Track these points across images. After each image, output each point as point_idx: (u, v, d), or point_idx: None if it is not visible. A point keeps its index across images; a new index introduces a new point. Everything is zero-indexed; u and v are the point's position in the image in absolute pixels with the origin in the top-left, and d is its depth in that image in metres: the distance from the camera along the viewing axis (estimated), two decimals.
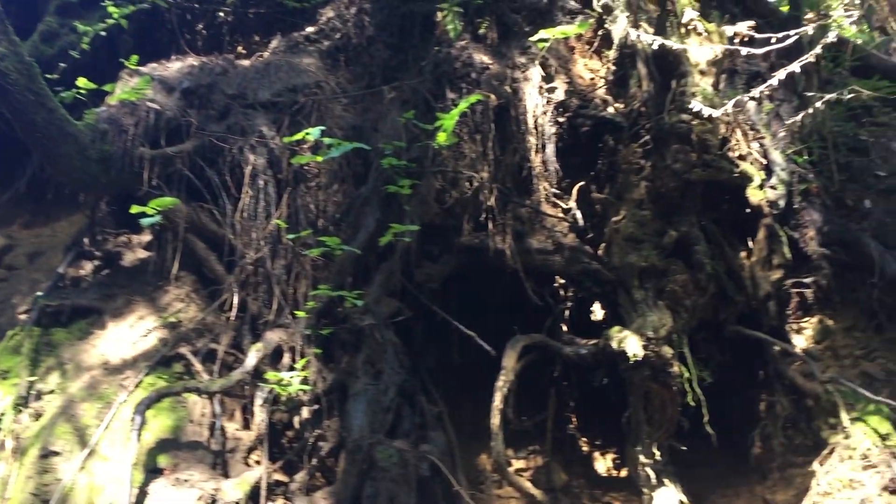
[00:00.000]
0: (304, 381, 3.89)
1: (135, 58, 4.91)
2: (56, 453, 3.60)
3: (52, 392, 3.94)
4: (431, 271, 4.82)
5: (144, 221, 4.10)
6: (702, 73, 4.95)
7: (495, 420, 4.06)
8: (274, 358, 4.13)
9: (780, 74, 3.93)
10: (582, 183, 5.05)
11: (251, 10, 6.11)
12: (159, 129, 4.64)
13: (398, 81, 5.07)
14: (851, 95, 4.65)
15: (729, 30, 4.96)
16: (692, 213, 4.87)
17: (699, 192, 4.87)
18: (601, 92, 5.17)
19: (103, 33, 5.53)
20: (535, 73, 5.01)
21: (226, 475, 3.69)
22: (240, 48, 6.16)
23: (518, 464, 4.87)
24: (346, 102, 5.05)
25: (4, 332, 4.53)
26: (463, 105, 4.40)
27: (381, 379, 4.05)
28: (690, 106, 4.44)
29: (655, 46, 4.36)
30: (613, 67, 5.16)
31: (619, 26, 5.03)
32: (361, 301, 4.13)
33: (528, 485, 4.25)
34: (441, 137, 4.36)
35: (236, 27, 6.18)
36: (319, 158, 4.31)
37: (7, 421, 3.75)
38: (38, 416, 3.84)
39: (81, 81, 4.82)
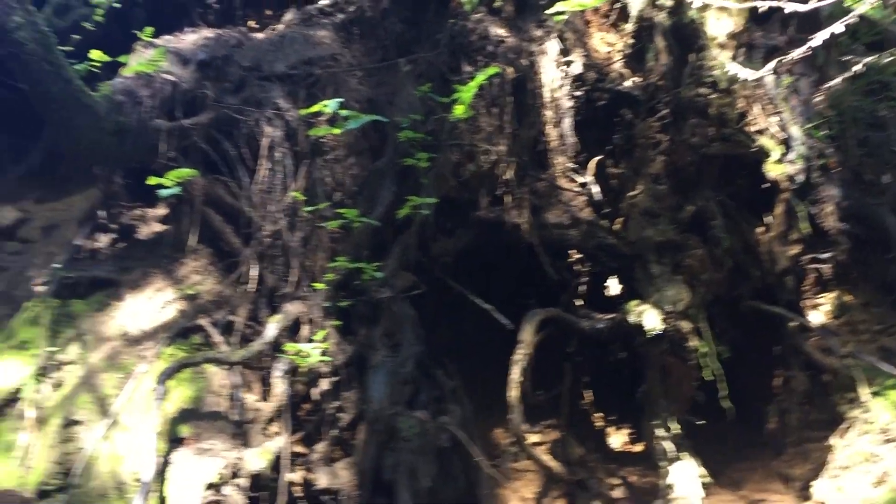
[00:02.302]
0: (324, 352, 3.89)
1: (149, 29, 4.87)
2: (78, 423, 3.61)
3: (72, 363, 3.94)
4: (447, 245, 4.82)
5: (162, 193, 4.07)
6: (720, 46, 4.90)
7: (513, 393, 4.06)
8: (292, 330, 4.13)
9: (800, 49, 3.90)
10: (599, 157, 5.02)
11: None
12: (175, 100, 4.61)
13: (413, 55, 5.04)
14: (867, 69, 4.61)
15: (748, 3, 4.92)
16: (709, 188, 4.86)
17: (717, 167, 4.86)
18: (618, 65, 5.13)
19: (117, 5, 5.48)
20: (552, 46, 4.97)
21: (246, 445, 3.70)
22: (251, 22, 6.11)
23: (534, 437, 4.88)
24: (362, 75, 5.01)
25: (20, 304, 4.53)
26: (480, 78, 4.36)
27: (399, 352, 4.06)
28: (710, 78, 4.42)
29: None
30: (631, 41, 5.11)
31: None
32: (380, 274, 4.12)
33: (547, 458, 4.27)
34: (458, 110, 4.33)
35: (248, 1, 6.13)
36: (337, 131, 4.27)
37: (28, 391, 3.75)
38: (58, 386, 3.84)
39: (95, 54, 4.77)
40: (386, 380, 3.90)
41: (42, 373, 3.85)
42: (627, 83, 5.01)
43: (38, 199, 6.01)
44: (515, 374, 4.11)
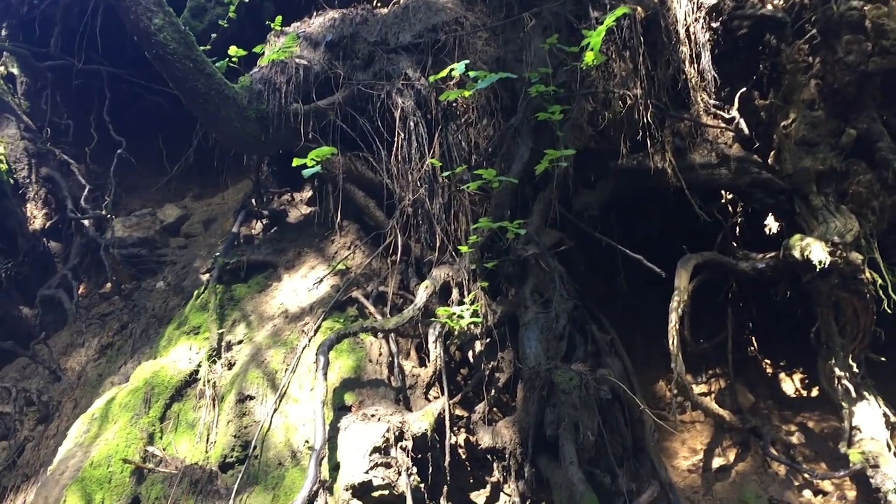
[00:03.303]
0: (475, 314, 3.89)
1: (279, 18, 5.03)
2: (251, 397, 3.80)
3: (240, 342, 4.16)
4: (590, 198, 4.70)
5: (306, 172, 4.19)
6: None
7: (673, 342, 3.91)
8: (442, 295, 4.17)
9: None
10: (743, 89, 4.73)
11: None
12: (310, 83, 4.73)
13: (537, 7, 4.92)
14: None
15: None
16: (871, 108, 4.46)
17: (878, 84, 4.45)
18: None
19: (248, 1, 5.69)
20: None
21: (408, 410, 3.77)
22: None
23: (699, 388, 4.71)
24: (487, 36, 4.95)
25: (190, 294, 4.83)
26: (609, 20, 4.19)
27: (550, 307, 3.99)
28: None
29: None
30: None
31: None
32: (524, 231, 4.07)
33: (716, 406, 4.09)
34: (588, 57, 4.19)
35: None
36: (467, 93, 4.27)
37: (204, 371, 3.99)
38: (230, 365, 4.06)
39: (232, 50, 4.99)
40: (540, 336, 3.85)
41: (215, 354, 4.08)
42: (768, 6, 4.67)
43: (195, 196, 6.40)
44: (673, 321, 3.95)
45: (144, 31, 4.20)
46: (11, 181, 5.80)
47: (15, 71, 6.24)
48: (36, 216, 5.85)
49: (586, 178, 4.74)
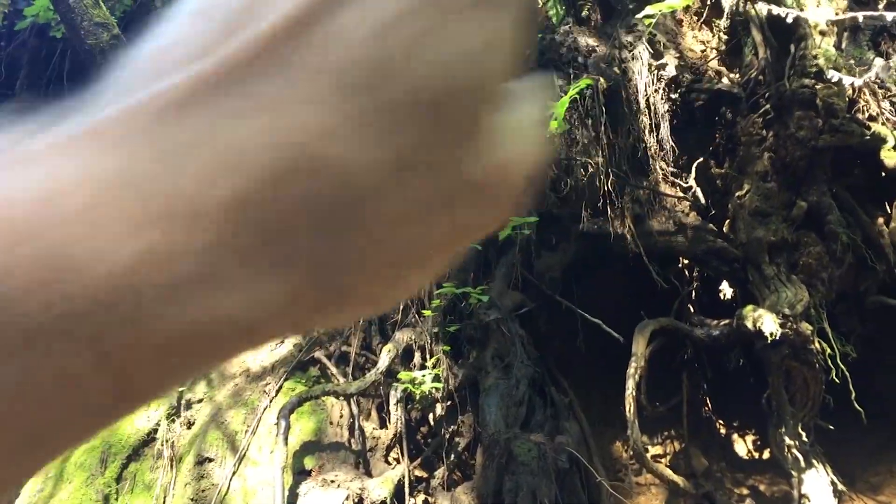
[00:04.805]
0: (436, 378, 3.94)
1: None
2: (210, 459, 3.79)
3: (200, 401, 4.14)
4: (551, 261, 4.80)
5: None
6: (822, 33, 4.70)
7: (630, 408, 3.99)
8: (405, 357, 4.21)
9: None
10: (700, 159, 4.89)
11: None
12: None
13: None
14: None
15: None
16: (822, 182, 4.65)
17: (828, 159, 4.64)
18: (714, 64, 5.00)
19: None
20: (643, 51, 4.88)
21: (368, 474, 3.79)
22: None
23: (655, 450, 4.78)
24: None
25: None
26: (572, 91, 4.32)
27: (511, 372, 4.06)
28: (814, 68, 4.26)
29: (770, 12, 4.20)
30: (725, 37, 4.98)
31: None
32: (486, 297, 4.15)
33: (669, 472, 4.17)
34: (552, 125, 4.31)
35: None
36: None
37: (162, 431, 3.96)
38: (189, 424, 4.04)
39: None
40: (499, 402, 3.91)
41: (174, 413, 4.06)
42: (725, 81, 4.87)
43: None
44: (630, 388, 4.04)
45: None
46: None
47: None
48: None
49: (548, 241, 4.85)
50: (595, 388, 5.04)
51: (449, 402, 4.07)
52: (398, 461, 3.94)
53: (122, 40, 4.25)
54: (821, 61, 4.58)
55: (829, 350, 4.29)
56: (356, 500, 3.38)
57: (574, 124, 4.67)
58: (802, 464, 4.13)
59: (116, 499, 3.70)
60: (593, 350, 4.92)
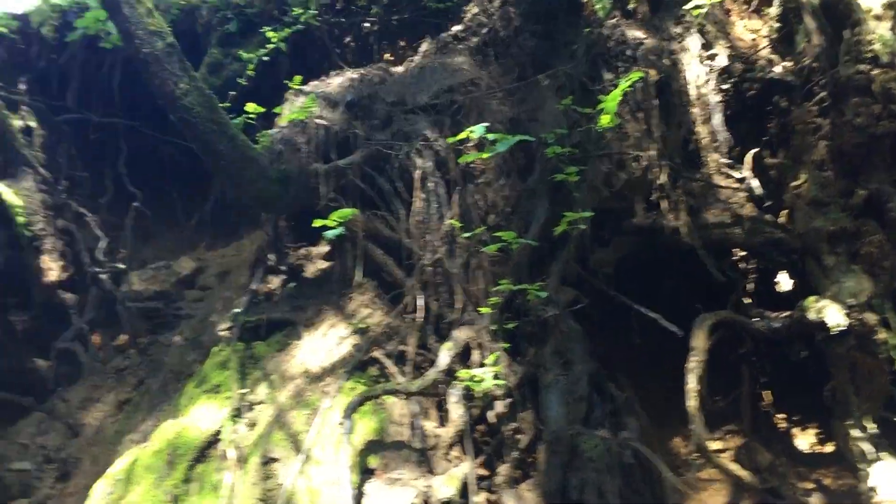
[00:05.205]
0: (496, 375, 3.93)
1: (298, 78, 5.13)
2: (275, 460, 3.82)
3: (262, 402, 4.19)
4: (605, 256, 4.77)
5: (328, 234, 4.27)
6: (877, 17, 4.61)
7: (692, 402, 3.95)
8: (463, 355, 4.21)
9: None
10: (754, 150, 4.83)
11: (395, 16, 6.26)
12: (329, 143, 4.83)
13: (551, 69, 5.04)
14: None
15: None
16: (881, 169, 4.55)
17: (887, 146, 4.54)
18: (765, 52, 4.93)
19: (266, 58, 5.81)
20: (694, 41, 4.84)
21: (431, 472, 3.80)
22: (388, 55, 6.31)
23: (715, 445, 4.72)
24: (502, 96, 5.06)
25: (207, 349, 4.87)
26: (624, 85, 4.30)
27: (571, 369, 4.04)
28: (870, 53, 4.19)
29: None
30: (776, 25, 4.90)
31: None
32: (544, 293, 4.13)
33: (735, 466, 4.12)
34: (604, 120, 4.29)
35: (383, 35, 6.35)
36: (486, 155, 4.34)
37: (226, 432, 4.01)
38: (253, 425, 4.09)
39: (251, 107, 5.08)
40: (560, 398, 3.90)
41: (237, 414, 4.11)
42: (778, 69, 4.80)
43: (208, 246, 6.46)
44: (692, 383, 3.99)
45: (170, 96, 4.28)
46: (27, 233, 5.85)
47: (32, 124, 6.32)
48: (51, 268, 5.89)
49: (601, 237, 4.82)
50: (651, 383, 5.00)
51: (509, 400, 4.05)
52: (459, 459, 3.94)
53: (175, 48, 4.31)
54: (877, 46, 4.48)
55: (892, 341, 4.21)
56: (424, 498, 3.39)
57: (625, 118, 4.64)
58: (869, 456, 4.06)
59: (185, 500, 3.75)
60: (648, 345, 4.88)
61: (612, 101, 4.22)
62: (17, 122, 6.22)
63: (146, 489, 3.74)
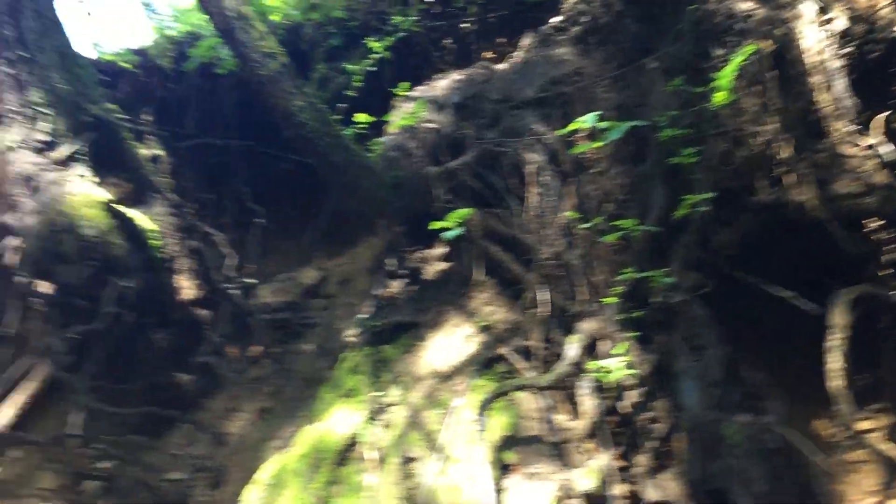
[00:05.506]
0: (626, 366, 3.90)
1: (405, 84, 5.23)
2: (413, 459, 3.91)
3: (395, 404, 4.29)
4: (728, 237, 4.64)
5: (446, 235, 4.33)
6: None
7: (837, 382, 3.80)
8: (589, 347, 4.19)
9: None
10: (881, 115, 4.59)
11: (492, 14, 6.28)
12: (439, 146, 4.90)
13: (656, 52, 4.94)
14: None
15: None
16: None
17: None
18: (886, 12, 4.67)
19: (371, 69, 5.95)
20: (808, 7, 4.62)
21: (567, 466, 3.80)
22: (487, 54, 6.34)
23: (864, 425, 4.52)
24: (608, 84, 5.01)
25: (336, 356, 5.02)
26: (738, 59, 4.18)
27: (702, 354, 3.96)
28: None
29: None
30: None
31: None
32: (669, 279, 4.07)
33: (888, 446, 3.93)
34: (718, 97, 4.18)
35: (481, 34, 6.38)
36: (599, 144, 4.31)
37: (364, 434, 4.13)
38: (388, 426, 4.19)
39: (360, 117, 5.21)
40: (695, 384, 3.82)
41: (372, 416, 4.23)
42: None
43: (328, 256, 6.64)
44: (835, 362, 3.84)
45: (286, 113, 4.46)
46: (161, 256, 6.18)
47: (158, 152, 6.67)
48: (185, 287, 6.20)
49: (722, 216, 4.70)
50: (782, 365, 4.83)
51: (642, 390, 4.01)
52: (594, 451, 3.92)
53: (288, 67, 4.48)
54: None
55: None
56: (565, 491, 3.40)
57: (740, 93, 4.50)
58: None
59: (332, 502, 3.89)
60: (777, 326, 4.72)
61: (726, 77, 4.12)
62: (145, 152, 6.58)
63: (294, 493, 3.90)
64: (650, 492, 3.68)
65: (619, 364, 3.85)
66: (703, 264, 4.60)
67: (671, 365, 4.03)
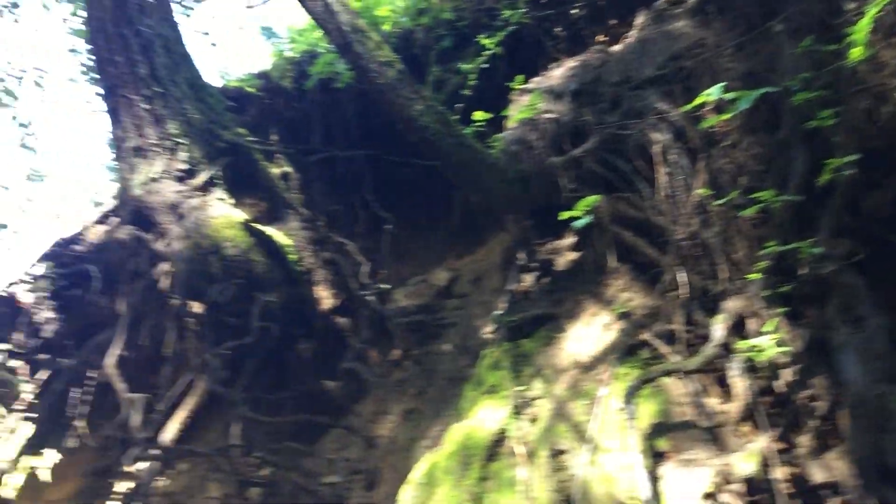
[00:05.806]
0: (778, 343, 3.73)
1: (520, 77, 5.21)
2: (562, 451, 3.90)
3: (539, 397, 4.29)
4: (879, 199, 4.36)
5: (577, 224, 4.29)
6: None
7: None
8: (736, 326, 4.04)
9: None
10: None
11: None
12: (561, 135, 4.86)
13: (781, 13, 4.70)
14: None
15: None
16: None
17: None
18: None
19: (484, 66, 5.97)
20: None
21: (723, 450, 3.68)
22: (600, 37, 6.23)
23: None
24: (731, 53, 4.80)
25: (476, 353, 5.07)
26: (873, 10, 3.92)
27: (862, 325, 3.73)
28: None
29: None
30: None
31: None
32: (818, 249, 3.87)
33: None
34: (855, 53, 3.93)
35: (592, 19, 6.27)
36: (727, 116, 4.15)
37: (512, 429, 4.15)
38: (534, 420, 4.19)
39: (478, 114, 5.24)
40: (857, 358, 3.61)
41: (518, 411, 4.24)
42: None
43: (458, 256, 6.72)
44: None
45: (408, 119, 4.54)
46: (300, 269, 6.44)
47: (288, 169, 6.96)
48: (325, 297, 6.44)
49: (869, 179, 4.42)
50: None
51: (797, 367, 3.82)
52: (750, 434, 3.78)
53: (405, 74, 4.55)
54: None
55: None
56: (723, 476, 3.29)
57: (878, 46, 4.22)
58: None
59: (485, 497, 3.93)
60: None
61: (861, 30, 3.87)
62: (275, 170, 6.88)
63: (448, 490, 3.97)
64: (816, 473, 3.51)
65: (770, 342, 3.69)
66: (854, 231, 4.34)
67: (827, 339, 3.82)
